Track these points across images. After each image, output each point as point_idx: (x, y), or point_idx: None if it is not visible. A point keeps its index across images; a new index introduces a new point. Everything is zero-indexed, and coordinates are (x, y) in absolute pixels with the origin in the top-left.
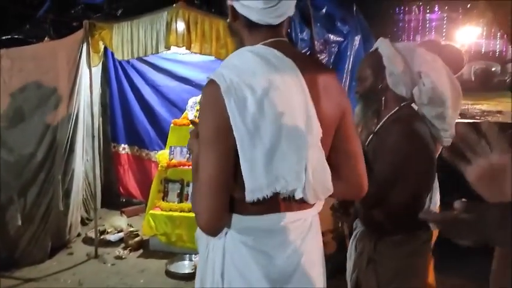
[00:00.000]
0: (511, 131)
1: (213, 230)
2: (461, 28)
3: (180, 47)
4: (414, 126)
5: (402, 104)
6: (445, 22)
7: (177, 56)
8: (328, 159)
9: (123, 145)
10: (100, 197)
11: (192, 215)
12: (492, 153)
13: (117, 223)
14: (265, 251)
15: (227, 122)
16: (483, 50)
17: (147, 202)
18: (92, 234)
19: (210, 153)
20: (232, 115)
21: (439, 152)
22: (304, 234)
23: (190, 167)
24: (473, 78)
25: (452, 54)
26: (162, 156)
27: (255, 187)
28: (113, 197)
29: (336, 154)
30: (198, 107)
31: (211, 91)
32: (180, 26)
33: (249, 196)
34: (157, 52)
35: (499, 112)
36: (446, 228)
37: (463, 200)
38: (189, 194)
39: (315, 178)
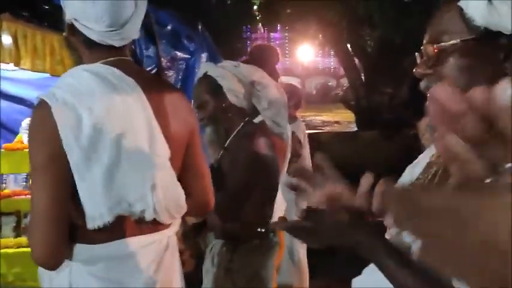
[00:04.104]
0: None
1: (51, 264)
2: (301, 47)
3: (6, 63)
4: (260, 141)
5: (246, 119)
6: (286, 41)
7: (4, 73)
8: (178, 178)
9: None
10: None
11: None
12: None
13: None
14: (118, 280)
15: (60, 145)
16: (320, 67)
17: None
18: None
19: (43, 180)
20: (65, 137)
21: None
22: (161, 257)
23: (29, 196)
24: (314, 92)
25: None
26: None
27: (95, 213)
28: None
29: (184, 172)
30: None
31: (41, 112)
32: (6, 39)
33: (90, 223)
34: None
35: (337, 122)
36: (294, 235)
37: (305, 208)
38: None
39: (167, 198)
